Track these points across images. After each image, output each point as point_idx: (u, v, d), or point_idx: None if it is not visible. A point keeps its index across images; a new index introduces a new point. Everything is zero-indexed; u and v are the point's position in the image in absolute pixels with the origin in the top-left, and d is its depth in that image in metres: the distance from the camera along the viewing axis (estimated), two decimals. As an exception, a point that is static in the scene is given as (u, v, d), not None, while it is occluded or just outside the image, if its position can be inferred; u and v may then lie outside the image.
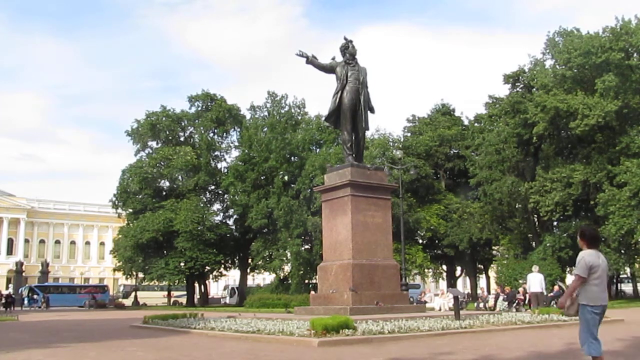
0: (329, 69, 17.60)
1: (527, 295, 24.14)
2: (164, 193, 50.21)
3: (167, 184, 50.80)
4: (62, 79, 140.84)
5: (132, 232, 46.61)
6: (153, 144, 51.93)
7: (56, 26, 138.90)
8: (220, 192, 51.60)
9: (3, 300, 39.99)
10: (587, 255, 6.21)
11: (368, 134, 27.72)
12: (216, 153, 52.35)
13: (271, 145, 43.95)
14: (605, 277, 6.29)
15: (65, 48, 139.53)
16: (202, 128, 51.27)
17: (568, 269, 38.13)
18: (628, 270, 43.12)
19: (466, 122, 50.95)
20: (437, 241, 47.95)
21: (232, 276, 68.27)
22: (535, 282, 21.70)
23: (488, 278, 55.06)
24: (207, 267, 48.48)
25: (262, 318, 15.28)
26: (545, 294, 22.46)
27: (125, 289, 61.37)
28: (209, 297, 57.49)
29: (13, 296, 44.38)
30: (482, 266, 53.59)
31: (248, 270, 53.53)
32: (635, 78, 32.71)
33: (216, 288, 78.27)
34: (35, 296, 48.71)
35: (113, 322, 22.12)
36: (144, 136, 50.38)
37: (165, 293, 58.03)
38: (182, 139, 52.48)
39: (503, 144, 39.05)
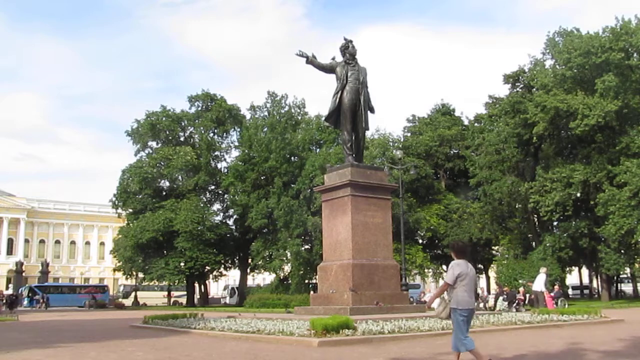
0: (329, 69, 17.59)
1: (530, 295, 24.30)
2: (164, 193, 50.20)
3: (167, 184, 50.80)
4: (63, 79, 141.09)
5: (132, 232, 46.60)
6: (153, 144, 51.98)
7: (57, 26, 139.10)
8: (220, 192, 51.61)
9: (5, 300, 39.99)
10: (456, 265, 7.18)
11: (368, 134, 27.77)
12: (216, 153, 52.35)
13: (271, 145, 43.94)
14: (472, 283, 7.23)
15: (65, 48, 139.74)
16: (202, 128, 51.27)
17: (567, 269, 38.15)
18: (628, 270, 43.13)
19: (466, 122, 50.96)
20: (437, 241, 47.95)
21: (232, 276, 68.26)
22: (537, 281, 22.14)
23: (488, 278, 55.07)
24: (207, 267, 48.46)
25: (262, 318, 15.27)
26: (543, 292, 22.52)
27: (125, 289, 61.35)
28: (209, 297, 57.48)
29: (16, 296, 44.58)
30: (482, 266, 53.56)
31: (248, 270, 53.52)
32: (635, 78, 32.70)
33: (216, 288, 78.24)
34: (35, 296, 48.71)
35: (113, 322, 22.11)
36: (144, 136, 50.38)
37: (165, 293, 58.02)
38: (182, 139, 52.48)
39: (503, 144, 39.06)
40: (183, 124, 52.40)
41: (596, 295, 47.75)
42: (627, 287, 51.03)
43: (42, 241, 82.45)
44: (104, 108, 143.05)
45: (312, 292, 22.49)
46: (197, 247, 44.98)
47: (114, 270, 56.71)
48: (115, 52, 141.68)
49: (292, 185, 43.74)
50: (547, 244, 35.99)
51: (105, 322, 23.12)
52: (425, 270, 47.96)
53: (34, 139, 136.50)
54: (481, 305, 28.54)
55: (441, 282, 59.00)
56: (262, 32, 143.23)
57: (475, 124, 48.04)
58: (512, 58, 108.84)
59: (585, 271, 56.46)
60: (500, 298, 27.35)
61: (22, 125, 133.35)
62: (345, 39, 17.76)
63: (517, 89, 41.22)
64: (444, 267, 53.77)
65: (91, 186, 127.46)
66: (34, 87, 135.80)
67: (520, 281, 32.91)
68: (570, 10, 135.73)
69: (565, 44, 34.70)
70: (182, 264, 45.80)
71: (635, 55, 33.13)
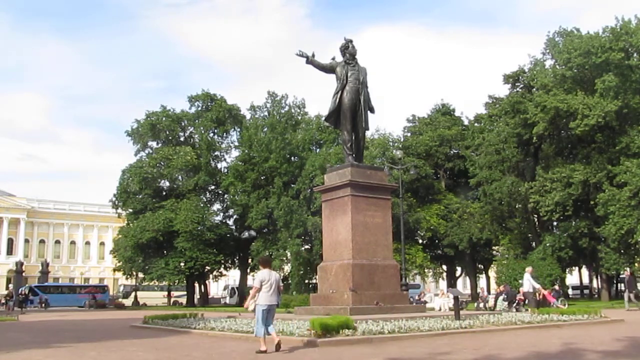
0: (329, 69, 17.56)
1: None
2: (164, 193, 50.17)
3: (167, 184, 50.73)
4: (65, 79, 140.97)
5: (132, 232, 46.59)
6: (153, 144, 51.91)
7: (59, 26, 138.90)
8: (220, 192, 51.58)
9: (15, 300, 40.03)
10: (260, 273, 10.01)
11: (368, 134, 27.75)
12: (216, 153, 52.30)
13: (271, 145, 43.95)
14: (275, 286, 9.86)
15: (67, 48, 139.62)
16: (202, 128, 51.22)
17: (568, 269, 38.11)
18: (628, 270, 43.06)
19: (466, 122, 50.96)
20: (437, 241, 47.95)
21: (232, 276, 68.24)
22: (525, 282, 21.97)
23: (488, 278, 55.09)
24: (207, 267, 48.48)
25: (262, 318, 15.24)
26: (533, 293, 22.11)
27: (125, 289, 61.33)
28: (209, 297, 57.45)
29: (26, 295, 44.88)
30: (482, 266, 53.59)
31: (248, 270, 53.51)
32: (635, 78, 32.70)
33: (216, 288, 78.22)
34: (34, 296, 48.68)
35: (113, 322, 22.12)
36: (144, 136, 50.34)
37: (165, 293, 58.01)
38: (182, 139, 52.45)
39: (503, 144, 39.08)
40: (183, 124, 52.37)
41: (596, 295, 47.74)
42: (627, 287, 50.89)
43: (42, 241, 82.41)
44: (105, 108, 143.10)
45: (312, 293, 22.43)
46: (197, 247, 44.97)
47: (114, 270, 56.71)
48: (117, 53, 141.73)
49: (292, 185, 43.74)
50: (547, 244, 36.00)
51: (105, 322, 23.12)
52: (425, 270, 47.98)
53: (35, 139, 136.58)
54: (481, 305, 28.56)
55: (441, 282, 59.47)
56: (264, 32, 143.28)
57: (475, 124, 48.04)
58: (512, 58, 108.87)
59: (585, 271, 56.45)
60: (500, 298, 27.34)
61: (23, 126, 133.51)
62: (345, 39, 17.75)
63: (517, 89, 41.22)
64: (444, 267, 53.93)
65: (91, 186, 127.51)
66: (35, 87, 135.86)
67: (520, 281, 32.89)
68: (570, 10, 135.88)
69: (565, 44, 34.71)
70: (182, 264, 45.80)
71: (635, 55, 33.14)
